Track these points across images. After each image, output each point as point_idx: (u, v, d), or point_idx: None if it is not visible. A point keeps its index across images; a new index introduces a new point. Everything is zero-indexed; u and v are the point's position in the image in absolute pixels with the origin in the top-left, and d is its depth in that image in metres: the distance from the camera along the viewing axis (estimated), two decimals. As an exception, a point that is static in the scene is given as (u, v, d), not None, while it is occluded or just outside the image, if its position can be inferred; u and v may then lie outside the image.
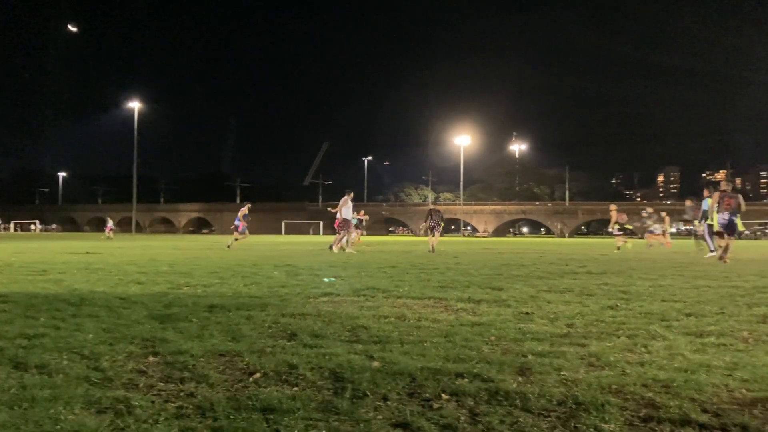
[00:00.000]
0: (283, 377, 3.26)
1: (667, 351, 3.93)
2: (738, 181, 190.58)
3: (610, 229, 27.83)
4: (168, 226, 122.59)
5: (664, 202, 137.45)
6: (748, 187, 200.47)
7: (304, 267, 11.36)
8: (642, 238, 29.26)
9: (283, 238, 49.53)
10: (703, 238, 17.97)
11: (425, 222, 21.91)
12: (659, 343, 4.20)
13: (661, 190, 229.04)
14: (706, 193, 17.84)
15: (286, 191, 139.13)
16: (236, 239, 23.03)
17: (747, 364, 3.54)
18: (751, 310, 5.78)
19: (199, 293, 7.02)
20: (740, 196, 14.79)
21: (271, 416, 2.64)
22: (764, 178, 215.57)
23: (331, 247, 19.34)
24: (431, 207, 23.13)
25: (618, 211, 24.93)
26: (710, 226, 16.67)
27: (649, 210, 28.37)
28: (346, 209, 19.38)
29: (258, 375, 3.30)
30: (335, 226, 19.49)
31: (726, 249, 14.48)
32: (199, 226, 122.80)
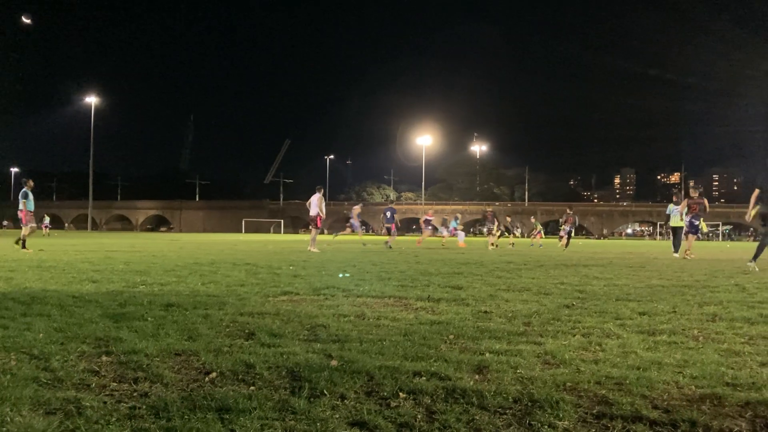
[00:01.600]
0: (240, 377, 3.23)
1: (620, 349, 4.01)
2: (691, 183, 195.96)
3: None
4: (125, 224, 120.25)
5: (620, 203, 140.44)
6: (701, 189, 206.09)
7: (264, 266, 11.26)
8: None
9: (244, 237, 49.02)
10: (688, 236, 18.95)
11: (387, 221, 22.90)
12: (613, 341, 4.29)
13: (617, 191, 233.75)
14: (674, 199, 19.88)
15: (247, 189, 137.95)
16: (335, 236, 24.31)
17: (697, 362, 3.63)
18: (702, 309, 5.94)
19: (155, 292, 6.90)
20: (705, 201, 17.21)
21: (227, 416, 2.61)
22: (716, 180, 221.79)
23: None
24: (388, 205, 24.09)
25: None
26: (674, 229, 18.68)
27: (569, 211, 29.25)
28: (318, 205, 19.26)
29: (214, 374, 3.26)
30: (317, 224, 19.26)
31: (689, 246, 16.89)
32: (158, 223, 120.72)
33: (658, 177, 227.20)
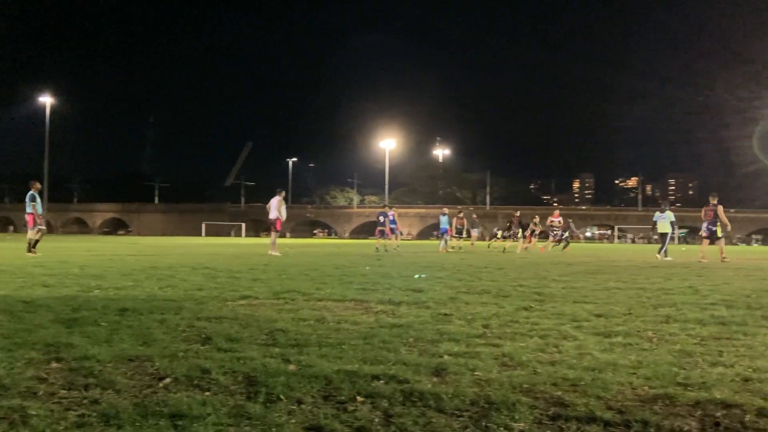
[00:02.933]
0: (195, 382, 3.17)
1: (577, 351, 4.07)
2: (648, 188, 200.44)
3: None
4: (82, 227, 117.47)
5: (579, 207, 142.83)
6: (657, 194, 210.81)
7: (223, 269, 11.12)
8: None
9: (203, 240, 48.40)
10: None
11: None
12: (570, 343, 4.34)
13: (576, 195, 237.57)
14: (664, 207, 21.12)
15: (207, 192, 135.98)
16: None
17: (650, 363, 3.70)
18: (656, 311, 6.06)
19: (110, 296, 6.75)
20: (719, 208, 18.21)
21: (180, 422, 2.56)
22: (672, 185, 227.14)
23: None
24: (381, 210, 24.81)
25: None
26: (661, 234, 20.09)
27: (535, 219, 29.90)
28: (283, 209, 19.11)
29: (168, 380, 3.19)
30: (278, 227, 19.11)
31: (721, 251, 18.22)
32: (115, 227, 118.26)
33: (616, 182, 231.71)
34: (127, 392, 2.98)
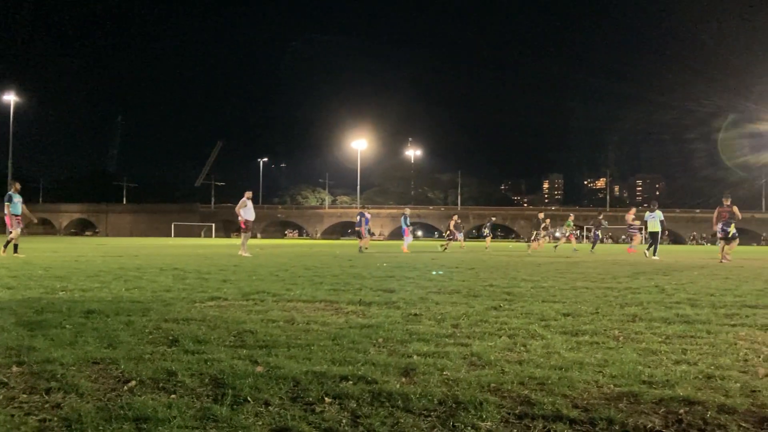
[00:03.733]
0: (161, 385, 3.13)
1: (544, 350, 4.11)
2: (616, 188, 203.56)
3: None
4: (47, 228, 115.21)
5: (549, 207, 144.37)
6: (625, 194, 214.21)
7: (192, 270, 11.00)
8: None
9: (173, 241, 47.79)
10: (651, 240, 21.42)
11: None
12: (538, 342, 4.38)
13: (546, 196, 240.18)
14: (652, 206, 21.94)
15: (177, 192, 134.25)
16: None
17: (616, 361, 3.75)
18: (623, 310, 6.15)
19: (76, 298, 6.63)
20: (734, 208, 18.59)
21: (145, 426, 2.52)
22: (639, 186, 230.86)
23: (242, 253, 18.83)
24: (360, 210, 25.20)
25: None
26: (651, 234, 21.04)
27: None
28: (245, 210, 18.94)
29: (133, 383, 3.15)
30: (242, 226, 18.96)
31: (726, 250, 18.56)
32: (83, 227, 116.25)
33: (585, 182, 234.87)
34: (90, 396, 2.93)
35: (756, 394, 3.05)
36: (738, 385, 3.21)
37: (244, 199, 19.10)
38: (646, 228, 22.42)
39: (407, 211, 28.51)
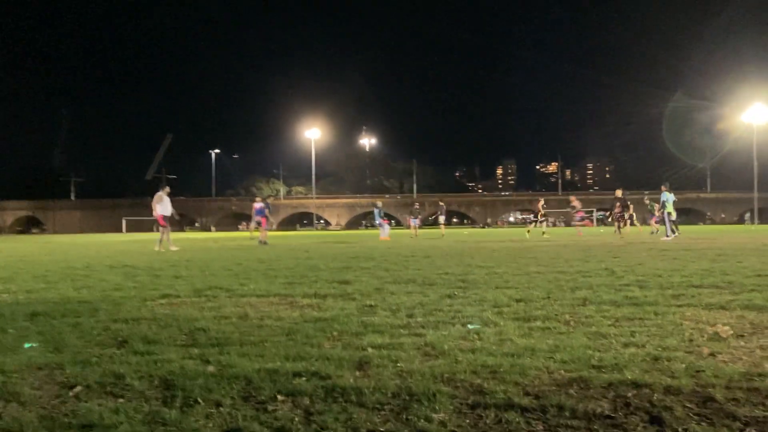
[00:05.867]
0: (108, 389, 3.05)
1: (497, 337, 4.14)
2: (568, 172, 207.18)
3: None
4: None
5: (503, 193, 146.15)
6: (577, 178, 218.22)
7: (144, 267, 10.77)
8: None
9: (124, 237, 46.75)
10: (662, 223, 22.56)
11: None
12: (491, 329, 4.42)
13: (500, 181, 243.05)
14: (663, 188, 22.32)
15: (127, 187, 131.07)
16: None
17: (567, 346, 3.80)
18: (574, 294, 6.26)
19: (20, 300, 6.42)
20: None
21: (90, 433, 2.45)
22: (590, 170, 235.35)
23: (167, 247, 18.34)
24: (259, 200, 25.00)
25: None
26: (669, 215, 21.60)
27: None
28: (161, 205, 18.46)
29: (79, 388, 3.05)
30: (161, 223, 18.48)
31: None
32: (29, 225, 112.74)
33: (538, 167, 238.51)
34: (33, 404, 2.83)
35: (700, 374, 3.14)
36: (683, 366, 3.30)
37: (159, 193, 18.62)
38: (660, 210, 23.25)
39: (379, 203, 29.85)
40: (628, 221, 28.25)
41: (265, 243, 22.11)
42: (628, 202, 26.94)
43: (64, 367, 3.46)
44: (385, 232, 27.91)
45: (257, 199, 26.48)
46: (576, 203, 30.62)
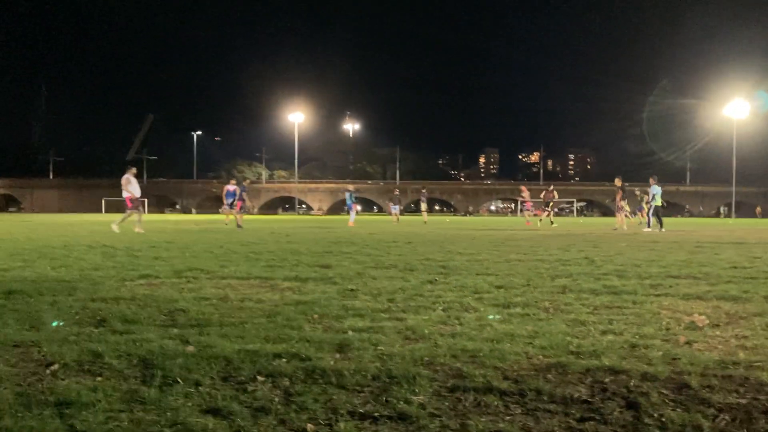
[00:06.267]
0: (86, 367, 3.02)
1: (477, 322, 4.17)
2: (549, 162, 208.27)
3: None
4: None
5: (485, 182, 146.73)
6: (558, 169, 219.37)
7: (123, 248, 10.67)
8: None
9: (103, 217, 46.30)
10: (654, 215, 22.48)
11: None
12: (471, 315, 4.45)
13: (482, 170, 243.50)
14: (652, 180, 22.55)
15: (107, 167, 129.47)
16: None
17: (546, 332, 3.84)
18: (554, 282, 6.31)
19: (-4, 278, 6.33)
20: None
21: (67, 411, 2.43)
22: (572, 160, 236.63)
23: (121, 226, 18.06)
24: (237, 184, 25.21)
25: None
26: (656, 207, 21.91)
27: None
28: (132, 186, 18.26)
29: (56, 366, 3.02)
30: (128, 205, 18.26)
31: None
32: (6, 204, 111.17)
33: (520, 156, 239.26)
34: (8, 381, 2.80)
35: (676, 361, 3.18)
36: (660, 353, 3.34)
37: (127, 176, 18.38)
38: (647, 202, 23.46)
39: (350, 187, 29.82)
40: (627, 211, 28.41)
41: (239, 227, 21.93)
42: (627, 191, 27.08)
43: (41, 344, 3.42)
44: (352, 217, 28.10)
45: (232, 181, 26.51)
46: (525, 193, 31.39)
